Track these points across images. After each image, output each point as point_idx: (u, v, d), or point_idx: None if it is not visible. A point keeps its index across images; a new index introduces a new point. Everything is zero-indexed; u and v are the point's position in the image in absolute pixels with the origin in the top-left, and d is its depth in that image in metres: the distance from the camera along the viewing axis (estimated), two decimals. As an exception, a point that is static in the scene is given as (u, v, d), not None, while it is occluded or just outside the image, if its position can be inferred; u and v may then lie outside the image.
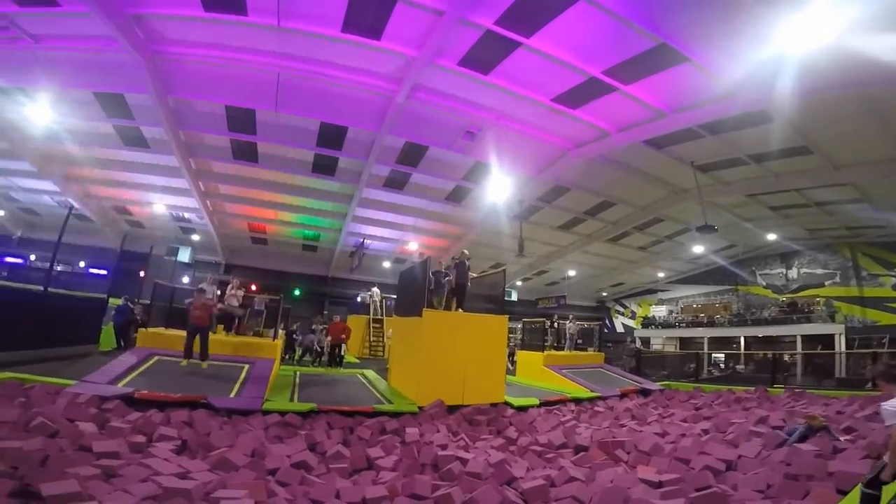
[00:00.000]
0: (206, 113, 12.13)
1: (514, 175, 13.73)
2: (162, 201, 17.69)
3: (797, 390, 10.81)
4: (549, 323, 15.35)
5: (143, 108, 11.81)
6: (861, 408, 7.71)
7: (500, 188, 14.14)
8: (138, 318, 11.28)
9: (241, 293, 10.79)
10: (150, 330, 9.94)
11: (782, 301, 21.37)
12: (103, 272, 19.80)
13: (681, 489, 3.94)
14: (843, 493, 3.64)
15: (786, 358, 16.66)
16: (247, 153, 14.14)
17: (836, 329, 18.45)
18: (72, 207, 15.59)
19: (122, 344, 11.08)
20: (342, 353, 10.20)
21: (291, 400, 8.10)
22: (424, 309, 8.89)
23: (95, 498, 3.14)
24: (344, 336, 10.50)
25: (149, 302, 11.20)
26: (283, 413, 6.91)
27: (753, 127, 10.58)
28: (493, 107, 11.03)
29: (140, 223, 20.78)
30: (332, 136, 12.82)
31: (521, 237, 15.74)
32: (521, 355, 14.25)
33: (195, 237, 21.46)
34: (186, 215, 19.47)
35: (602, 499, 3.73)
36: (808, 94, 8.73)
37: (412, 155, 13.65)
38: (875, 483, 3.16)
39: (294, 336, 14.15)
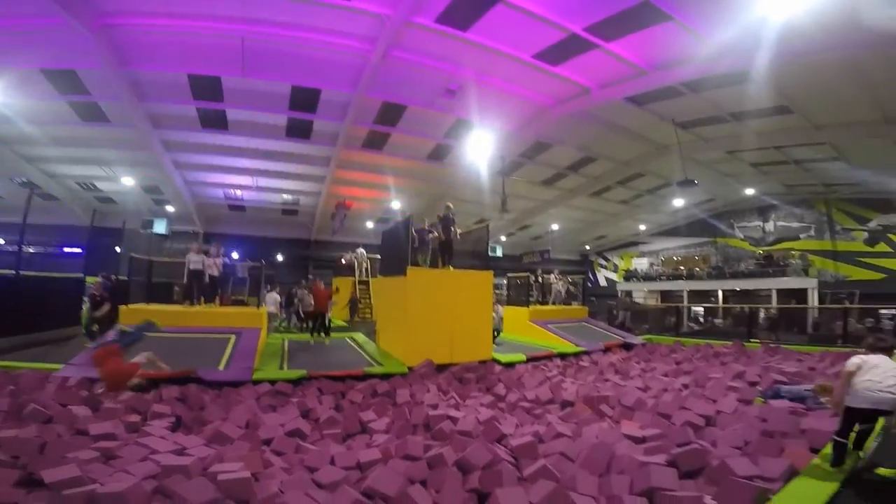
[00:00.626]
0: (168, 83, 11.52)
1: (495, 132, 13.53)
2: (131, 175, 17.06)
3: (772, 345, 11.31)
4: (533, 278, 15.55)
5: (98, 83, 11.15)
6: (832, 364, 8.10)
7: (481, 145, 13.96)
8: (97, 295, 9.86)
9: (220, 261, 10.58)
10: (132, 306, 9.72)
11: (759, 253, 21.96)
12: (78, 250, 19.22)
13: (663, 445, 4.13)
14: (816, 451, 3.83)
15: (762, 314, 17.29)
16: (216, 121, 13.64)
17: (810, 283, 19.05)
18: (34, 188, 14.88)
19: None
20: (328, 322, 10.15)
21: (281, 368, 8.17)
22: (409, 267, 8.90)
23: (97, 481, 3.16)
24: (330, 303, 10.44)
25: (126, 277, 10.92)
26: (273, 382, 6.99)
27: (735, 86, 10.53)
28: (473, 64, 10.67)
29: (110, 198, 20.07)
30: (304, 100, 12.36)
31: (504, 193, 15.71)
32: (506, 311, 14.41)
33: (170, 208, 20.91)
34: (159, 187, 18.84)
35: (589, 455, 3.89)
36: (791, 57, 8.71)
37: (390, 114, 13.30)
38: (843, 432, 3.38)
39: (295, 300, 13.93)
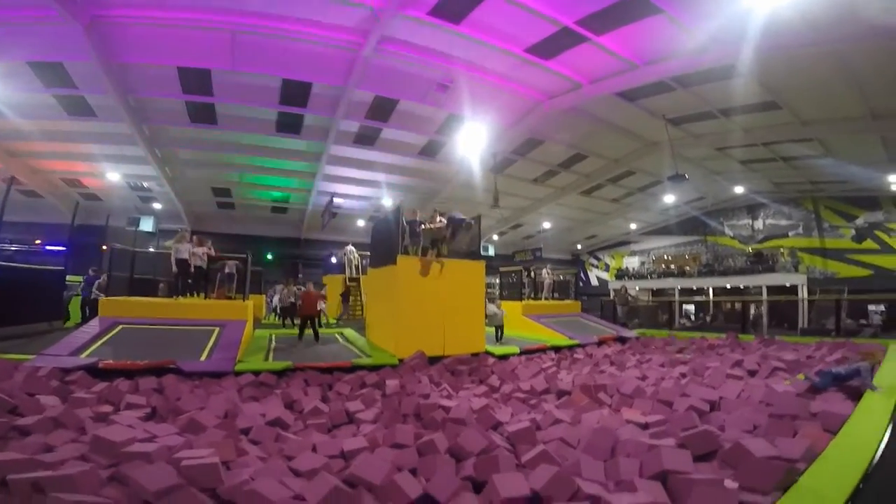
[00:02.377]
0: (157, 76, 11.16)
1: (488, 128, 13.33)
2: (116, 171, 16.58)
3: (766, 337, 11.24)
4: (526, 273, 15.42)
5: (86, 76, 10.78)
6: (829, 352, 8.04)
7: (474, 141, 13.72)
8: None
9: (202, 251, 10.18)
10: (113, 298, 9.39)
11: (749, 251, 22.03)
12: (61, 248, 18.73)
13: (668, 430, 3.92)
14: (832, 433, 3.65)
15: (752, 310, 17.31)
16: (205, 115, 13.25)
17: (799, 279, 19.13)
18: (11, 181, 14.42)
19: (88, 316, 10.51)
20: (319, 325, 9.80)
21: (266, 360, 7.85)
22: (399, 256, 8.62)
23: (50, 468, 2.87)
24: (320, 308, 9.95)
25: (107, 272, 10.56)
26: (256, 373, 6.68)
27: (724, 81, 10.49)
28: (466, 58, 10.47)
29: (95, 195, 19.50)
30: (295, 93, 12.05)
31: (496, 189, 15.52)
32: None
33: (157, 206, 20.44)
34: (145, 184, 18.36)
35: (591, 441, 3.64)
36: (778, 50, 8.69)
37: (382, 109, 13.02)
38: None
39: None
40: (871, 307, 15.28)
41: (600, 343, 11.15)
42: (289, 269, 22.94)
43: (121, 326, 8.28)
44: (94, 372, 6.06)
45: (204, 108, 12.84)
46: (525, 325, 12.56)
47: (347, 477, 3.12)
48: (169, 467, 2.86)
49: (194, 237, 10.47)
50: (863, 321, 14.41)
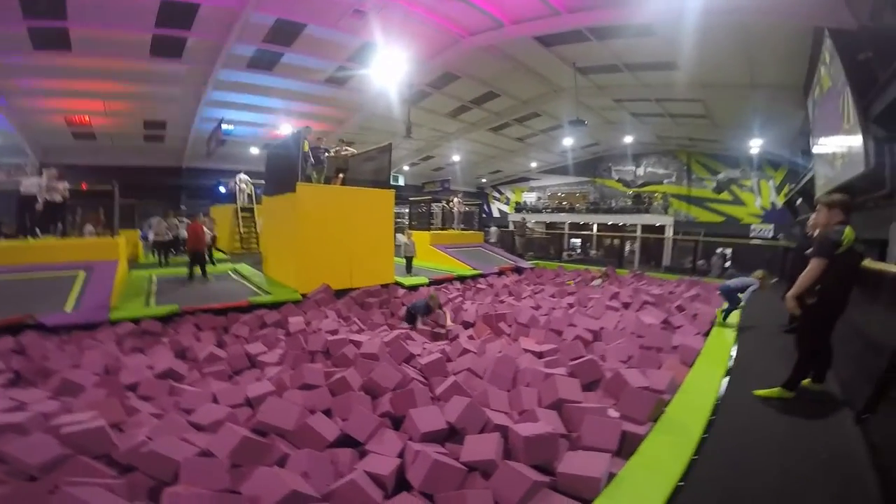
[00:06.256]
0: None
1: (405, 59, 12.51)
2: None
3: (638, 272, 12.79)
4: (443, 203, 15.86)
5: None
6: (687, 289, 9.30)
7: (388, 71, 12.83)
8: None
9: (63, 185, 8.57)
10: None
11: (629, 193, 24.57)
12: None
13: (560, 359, 4.33)
14: (689, 365, 4.24)
15: (627, 247, 19.47)
16: (54, 41, 10.70)
17: (668, 220, 22.09)
18: None
19: None
20: (210, 261, 8.86)
21: (147, 306, 6.96)
22: (299, 183, 7.97)
23: None
24: (209, 241, 8.88)
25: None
26: (137, 321, 5.97)
27: (637, 38, 10.82)
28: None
29: None
30: (177, 15, 10.11)
31: (409, 120, 14.99)
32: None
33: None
34: None
35: (495, 370, 3.91)
36: (693, 14, 8.77)
37: (285, 33, 11.52)
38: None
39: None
40: (718, 250, 17.73)
41: (500, 273, 11.83)
42: (170, 201, 20.44)
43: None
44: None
45: (54, 33, 10.41)
46: (433, 254, 12.80)
47: (256, 425, 2.98)
48: (48, 437, 2.50)
49: (52, 170, 8.72)
50: (702, 262, 16.71)
